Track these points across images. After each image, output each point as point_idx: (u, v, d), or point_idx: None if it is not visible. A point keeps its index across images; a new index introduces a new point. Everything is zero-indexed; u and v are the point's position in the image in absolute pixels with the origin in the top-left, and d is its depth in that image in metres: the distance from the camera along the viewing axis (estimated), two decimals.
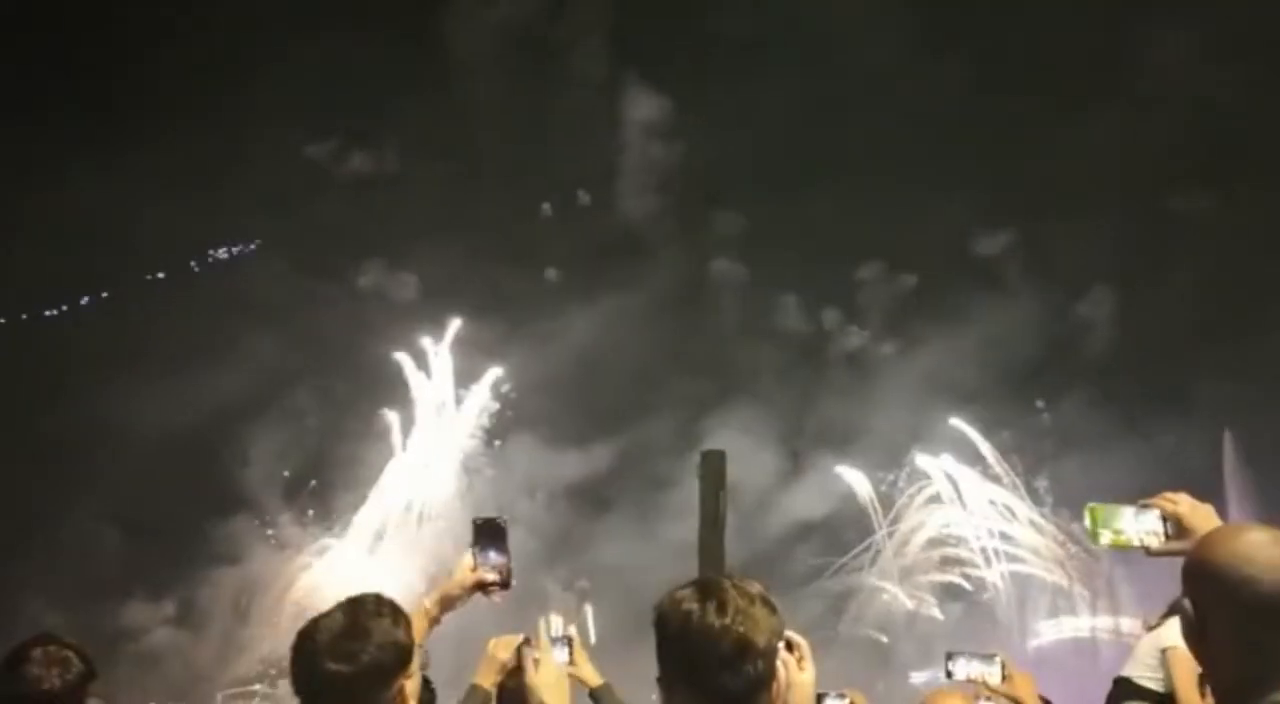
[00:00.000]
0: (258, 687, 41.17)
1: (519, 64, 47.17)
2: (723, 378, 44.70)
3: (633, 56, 46.86)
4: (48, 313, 48.34)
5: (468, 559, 3.69)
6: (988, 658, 4.15)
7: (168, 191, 42.90)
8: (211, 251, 50.52)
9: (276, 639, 43.64)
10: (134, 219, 43.72)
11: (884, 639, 42.19)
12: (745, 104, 45.57)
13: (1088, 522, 3.24)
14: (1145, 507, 3.18)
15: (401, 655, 2.94)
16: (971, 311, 41.20)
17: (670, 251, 46.84)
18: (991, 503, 42.13)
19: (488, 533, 3.63)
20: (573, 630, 4.01)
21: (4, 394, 41.91)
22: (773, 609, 2.44)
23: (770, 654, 2.39)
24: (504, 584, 3.70)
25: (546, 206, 50.18)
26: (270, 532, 44.14)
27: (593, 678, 4.11)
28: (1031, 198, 43.23)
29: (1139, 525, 3.17)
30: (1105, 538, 3.20)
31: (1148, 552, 3.15)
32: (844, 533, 43.82)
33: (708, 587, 2.44)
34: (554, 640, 3.97)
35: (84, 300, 49.41)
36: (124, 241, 45.95)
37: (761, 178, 47.06)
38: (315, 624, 3.04)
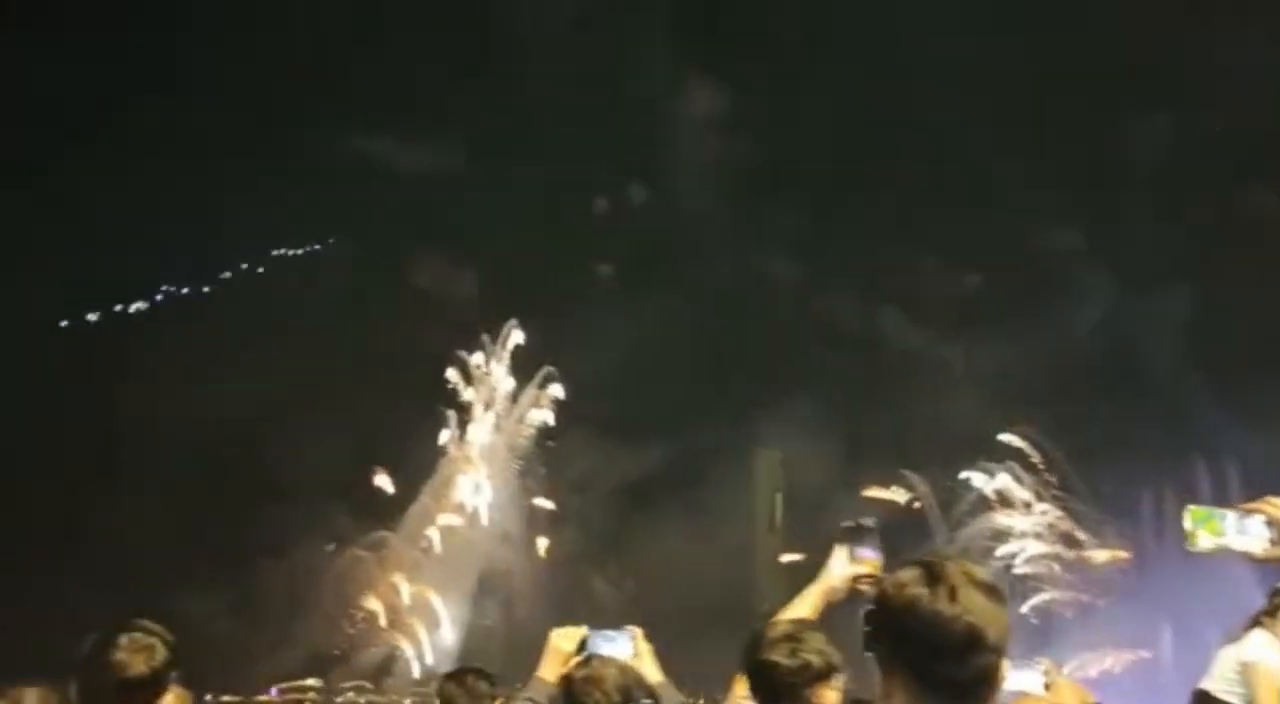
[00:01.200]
0: (310, 680, 41.78)
1: (580, 58, 47.29)
2: (778, 378, 44.46)
3: (695, 50, 46.75)
4: (116, 309, 49.49)
5: (842, 555, 3.91)
6: (1032, 666, 4.13)
7: (229, 188, 43.79)
8: (275, 251, 51.40)
9: (329, 632, 44.35)
10: (191, 219, 44.70)
11: None
12: (806, 98, 45.33)
13: (1187, 524, 3.12)
14: (1249, 512, 3.08)
15: (834, 661, 3.43)
16: (1036, 311, 40.51)
17: (725, 248, 46.70)
18: (1052, 526, 41.46)
19: (860, 534, 3.96)
20: (637, 630, 4.10)
21: (68, 388, 43.00)
22: (1003, 600, 2.33)
23: (1000, 649, 2.27)
24: (876, 577, 3.97)
25: (601, 202, 50.29)
26: (324, 525, 44.81)
27: (653, 674, 4.12)
28: (1097, 195, 42.48)
29: (1242, 530, 3.07)
30: (1205, 542, 3.09)
31: (1251, 558, 3.05)
32: (899, 539, 43.33)
33: (935, 570, 2.33)
34: (618, 633, 4.04)
35: (157, 297, 50.55)
36: (182, 242, 46.95)
37: (820, 173, 46.71)
38: (771, 627, 3.48)
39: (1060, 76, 41.70)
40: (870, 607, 2.39)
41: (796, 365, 45.13)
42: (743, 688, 3.61)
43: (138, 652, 2.77)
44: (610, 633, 4.04)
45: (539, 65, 46.51)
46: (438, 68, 46.26)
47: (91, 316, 48.55)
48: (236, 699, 37.95)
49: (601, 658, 3.79)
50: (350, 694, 42.32)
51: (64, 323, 47.10)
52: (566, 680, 3.79)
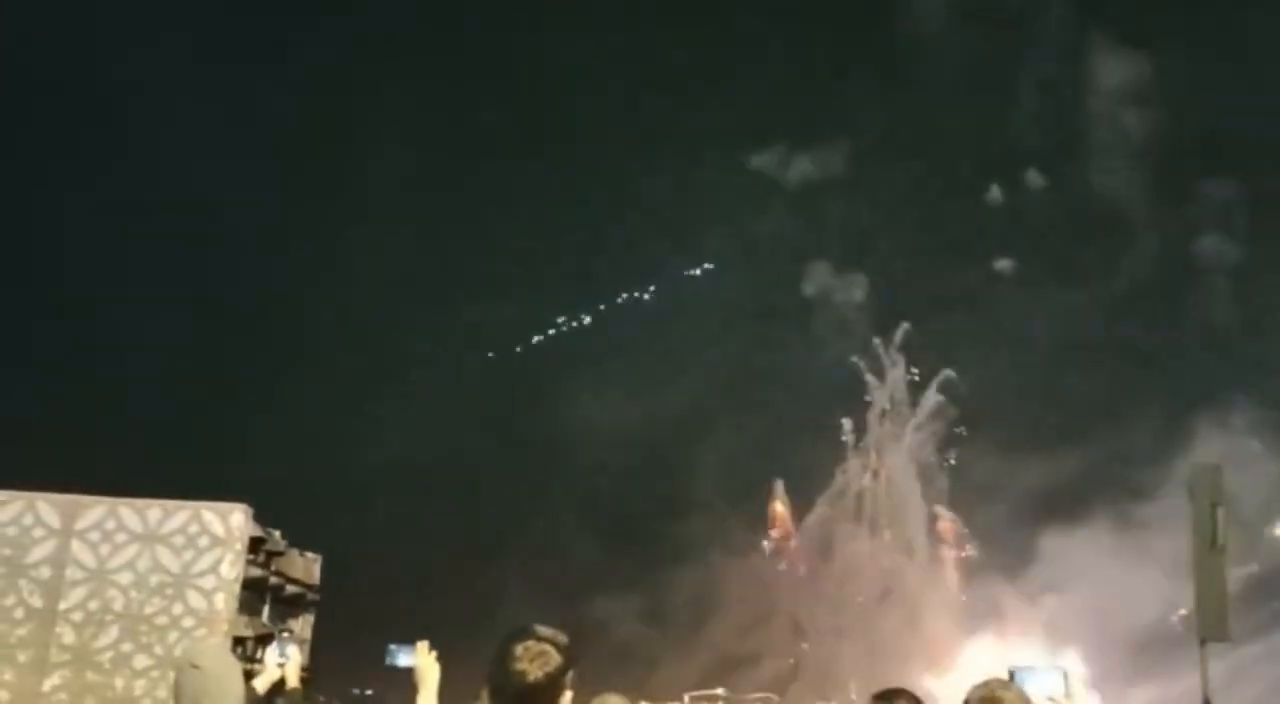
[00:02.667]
0: (719, 690, 43.11)
1: (973, 38, 45.47)
2: (1214, 374, 40.24)
3: (1102, 16, 43.49)
4: (534, 338, 53.95)
5: None
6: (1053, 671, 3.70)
7: (628, 214, 46.56)
8: (672, 268, 53.70)
9: (732, 640, 45.58)
10: (597, 243, 47.92)
11: None
12: (1236, 57, 40.72)
13: None
14: None
15: None
16: None
17: (1146, 231, 42.98)
18: None
19: None
20: (1067, 668, 3.83)
21: (495, 407, 47.56)
22: None
23: None
24: None
25: (995, 192, 47.95)
26: (726, 534, 46.15)
27: None
28: None
29: None
30: None
31: None
32: None
33: None
34: (1046, 669, 3.78)
35: (570, 323, 54.63)
36: (586, 266, 50.35)
37: (1258, 139, 41.71)
38: None
39: None
40: None
41: (1236, 358, 40.65)
42: None
43: (534, 659, 3.01)
44: (1037, 668, 3.76)
45: (922, 54, 45.43)
46: (820, 73, 46.42)
47: (518, 347, 53.00)
48: None
49: (1003, 681, 3.58)
50: None
51: (490, 354, 51.95)
52: (966, 702, 3.62)
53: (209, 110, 44.49)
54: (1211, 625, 8.18)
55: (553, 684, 3.03)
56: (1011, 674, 3.71)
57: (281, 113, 45.96)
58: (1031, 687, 3.59)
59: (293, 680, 5.01)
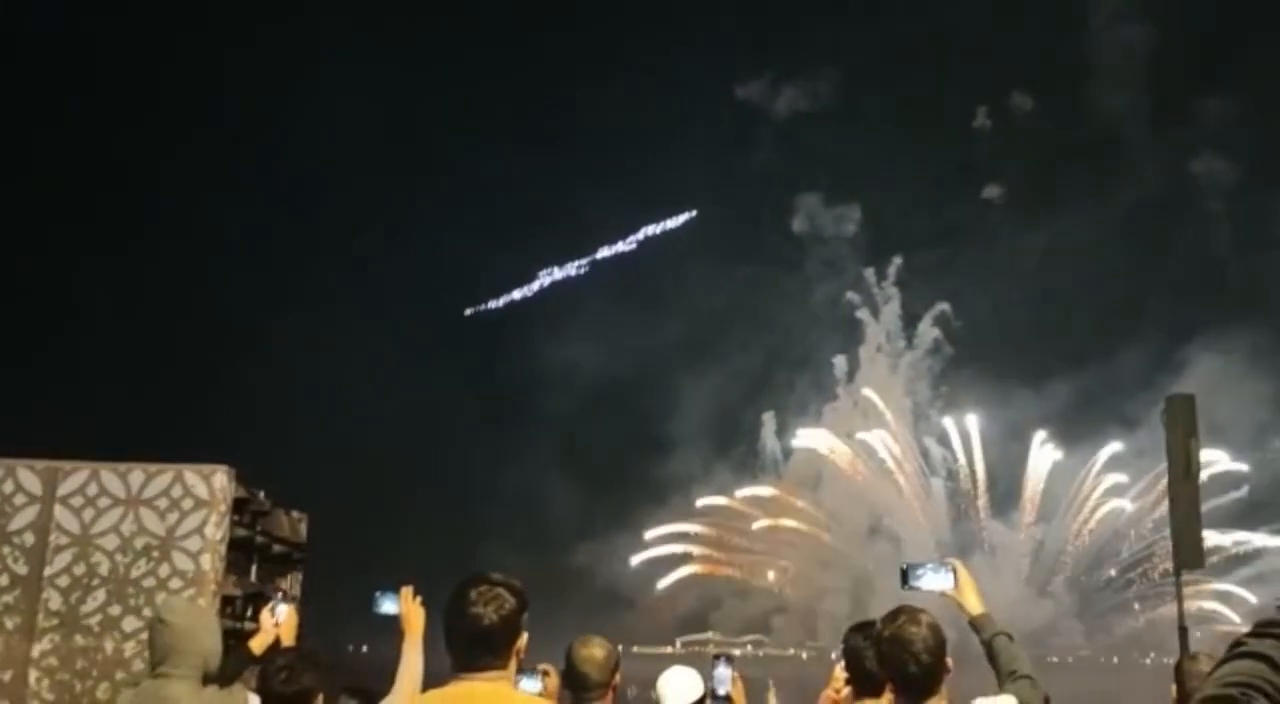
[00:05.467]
0: (710, 634, 43.96)
1: None
2: (1210, 299, 40.80)
3: None
4: (515, 291, 53.78)
5: None
6: (945, 567, 4.01)
7: (610, 156, 46.30)
8: (648, 229, 53.65)
9: (719, 582, 46.35)
10: (580, 190, 47.72)
11: None
12: None
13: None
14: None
15: None
16: None
17: (1140, 153, 43.24)
18: None
19: None
20: (957, 561, 4.12)
21: (474, 358, 47.71)
22: None
23: None
24: None
25: (982, 115, 47.97)
26: (709, 474, 46.71)
27: (974, 606, 4.07)
28: None
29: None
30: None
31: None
32: None
33: None
34: (941, 566, 4.06)
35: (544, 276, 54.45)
36: (568, 213, 50.13)
37: (1261, 49, 41.75)
38: None
39: None
40: None
41: (1231, 281, 41.17)
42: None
43: (488, 602, 3.15)
44: (933, 565, 4.03)
45: None
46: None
47: (493, 303, 53.08)
48: (646, 651, 40.71)
49: (911, 612, 3.79)
50: (749, 647, 44.13)
51: (468, 312, 52.02)
52: (876, 637, 3.82)
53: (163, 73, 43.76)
54: (1186, 554, 8.46)
55: (508, 626, 3.17)
56: (904, 573, 3.99)
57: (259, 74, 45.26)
58: (924, 583, 3.88)
59: (288, 640, 5.18)
